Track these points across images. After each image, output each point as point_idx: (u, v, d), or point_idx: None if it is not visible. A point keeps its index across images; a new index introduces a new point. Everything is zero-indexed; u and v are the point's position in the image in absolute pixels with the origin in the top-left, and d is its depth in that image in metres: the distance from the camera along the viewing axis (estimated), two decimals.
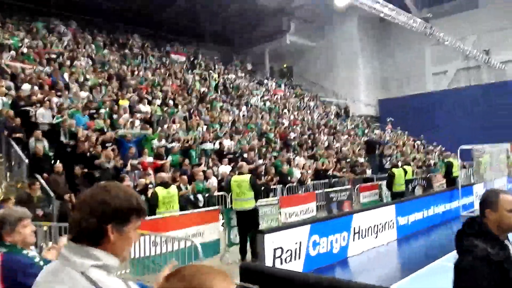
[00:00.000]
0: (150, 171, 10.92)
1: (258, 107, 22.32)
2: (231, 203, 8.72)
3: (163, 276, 1.16)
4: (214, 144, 14.30)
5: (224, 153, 13.90)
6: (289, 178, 14.11)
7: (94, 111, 12.64)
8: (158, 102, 15.88)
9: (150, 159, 11.59)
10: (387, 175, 13.01)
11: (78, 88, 13.63)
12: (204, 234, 7.92)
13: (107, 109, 13.24)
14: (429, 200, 11.28)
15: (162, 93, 17.08)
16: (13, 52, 14.44)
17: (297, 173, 14.67)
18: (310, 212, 12.24)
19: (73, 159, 10.01)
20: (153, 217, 7.30)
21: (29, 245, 2.55)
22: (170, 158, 12.10)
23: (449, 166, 14.33)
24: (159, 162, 11.46)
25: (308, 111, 26.15)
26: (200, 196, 10.74)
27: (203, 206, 10.20)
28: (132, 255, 6.21)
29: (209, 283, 1.06)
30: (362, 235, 8.35)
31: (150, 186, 9.98)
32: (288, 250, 6.63)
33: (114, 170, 10.31)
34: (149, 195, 8.40)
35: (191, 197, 10.51)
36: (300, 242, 6.89)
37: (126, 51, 21.36)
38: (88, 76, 15.30)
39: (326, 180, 15.23)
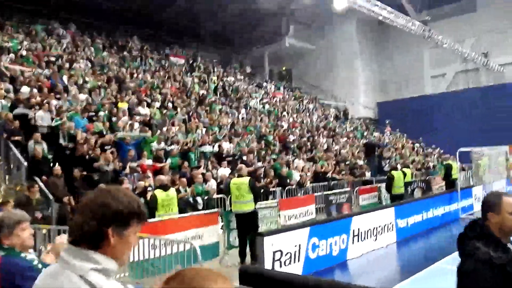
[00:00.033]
0: (149, 173, 10.91)
1: (257, 110, 22.32)
2: (230, 206, 8.71)
3: (163, 279, 1.16)
4: (213, 146, 14.29)
5: (223, 155, 13.89)
6: (288, 180, 14.10)
7: (93, 113, 12.63)
8: (157, 104, 15.88)
9: (149, 161, 11.58)
10: (386, 177, 13.01)
11: (77, 91, 13.63)
12: (203, 236, 7.91)
13: (106, 111, 13.23)
14: (428, 202, 11.29)
15: (161, 95, 17.08)
16: (12, 55, 14.44)
17: (296, 176, 14.66)
18: (310, 215, 12.24)
19: (72, 161, 9.99)
20: (152, 220, 7.28)
21: (28, 248, 2.55)
22: (169, 160, 12.09)
23: (448, 169, 14.33)
24: (158, 164, 11.45)
25: (307, 114, 26.19)
26: (199, 199, 10.73)
27: (202, 209, 10.19)
28: (131, 258, 6.19)
29: (208, 286, 1.05)
30: (361, 238, 8.34)
31: (149, 189, 9.96)
32: (287, 253, 6.61)
33: (113, 172, 10.30)
34: (148, 198, 8.39)
35: (190, 199, 10.50)
36: (300, 245, 6.88)
37: (125, 53, 21.37)
38: (87, 79, 15.30)
39: (325, 183, 15.22)
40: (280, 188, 13.48)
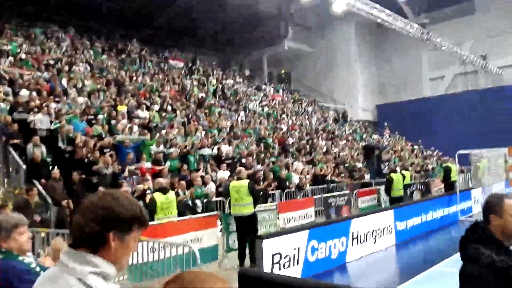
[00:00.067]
0: (148, 176, 10.89)
1: (257, 112, 22.34)
2: (230, 209, 8.70)
3: (162, 282, 1.16)
4: (212, 149, 14.29)
5: (223, 158, 13.88)
6: (287, 183, 14.09)
7: (92, 116, 12.63)
8: (157, 107, 15.89)
9: (148, 164, 11.56)
10: (385, 180, 13.01)
11: (76, 94, 13.63)
12: (202, 239, 7.89)
13: (105, 114, 13.23)
14: (427, 205, 11.28)
15: (161, 98, 17.09)
16: (11, 58, 14.46)
17: (295, 178, 14.66)
18: (309, 218, 12.22)
19: (71, 165, 9.97)
20: (151, 223, 7.27)
21: (25, 252, 2.55)
22: (168, 163, 12.08)
23: (447, 171, 14.35)
24: (157, 167, 11.44)
25: (306, 116, 26.21)
26: (198, 202, 10.72)
27: (202, 212, 10.17)
28: (130, 261, 6.17)
29: None
30: (360, 240, 8.33)
31: (148, 192, 9.95)
32: (286, 256, 6.61)
33: (112, 176, 10.28)
34: (147, 201, 8.37)
35: (189, 202, 10.49)
36: (299, 248, 6.87)
37: (124, 56, 21.39)
38: (86, 82, 15.30)
39: (325, 185, 15.21)
40: (279, 190, 13.48)
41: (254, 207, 8.08)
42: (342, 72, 32.24)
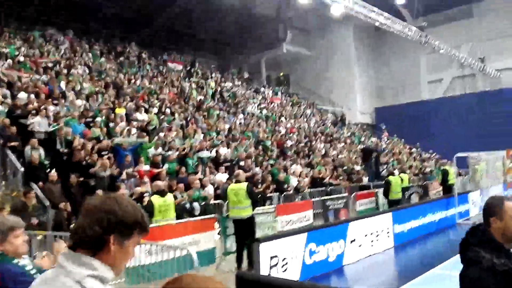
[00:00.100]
0: (146, 179, 10.88)
1: (255, 115, 22.36)
2: (228, 211, 8.69)
3: (160, 285, 1.16)
4: (210, 152, 14.28)
5: (221, 161, 13.88)
6: (285, 186, 14.09)
7: (90, 119, 12.62)
8: (155, 110, 15.88)
9: (146, 167, 11.55)
10: (383, 182, 13.03)
11: (74, 97, 13.63)
12: (200, 242, 7.88)
13: (104, 117, 13.22)
14: (426, 207, 11.29)
15: (159, 101, 17.09)
16: (9, 61, 14.45)
17: (293, 181, 14.65)
18: (307, 220, 12.22)
19: (68, 167, 9.95)
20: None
21: (21, 255, 2.54)
22: (166, 166, 12.06)
23: (445, 174, 14.37)
24: (155, 170, 11.42)
25: (305, 119, 26.24)
26: (196, 205, 10.70)
27: (200, 215, 10.15)
28: (127, 264, 6.16)
29: None
30: (358, 243, 8.33)
31: (146, 194, 9.93)
32: (284, 259, 6.60)
33: (110, 178, 10.26)
34: (145, 203, 8.36)
35: (187, 205, 10.47)
36: (297, 251, 6.87)
37: (123, 59, 21.40)
38: (84, 85, 15.29)
39: (323, 188, 15.21)
40: (278, 193, 13.47)
41: (253, 209, 8.07)
42: (340, 75, 32.31)
